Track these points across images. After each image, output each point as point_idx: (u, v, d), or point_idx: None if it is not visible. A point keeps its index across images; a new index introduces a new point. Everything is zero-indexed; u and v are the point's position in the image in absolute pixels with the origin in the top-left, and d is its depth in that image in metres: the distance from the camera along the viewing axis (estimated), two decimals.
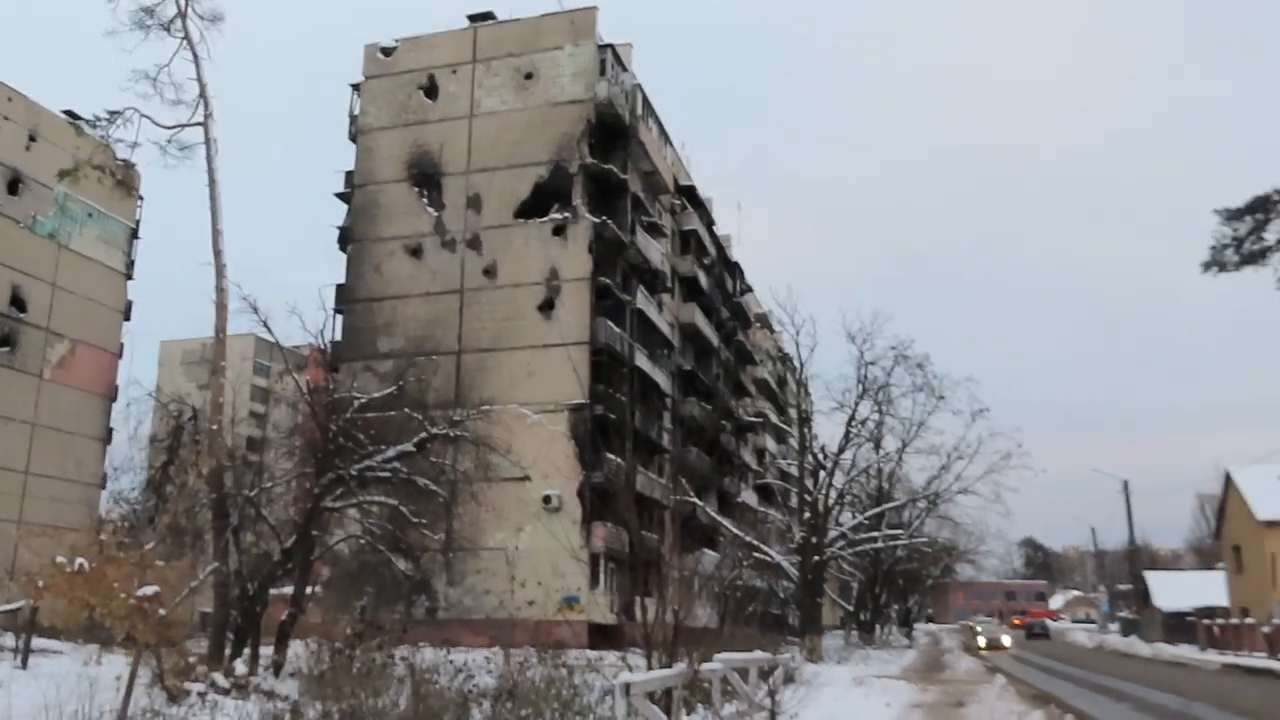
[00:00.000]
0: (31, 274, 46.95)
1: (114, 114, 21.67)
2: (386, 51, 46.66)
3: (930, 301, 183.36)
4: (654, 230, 48.33)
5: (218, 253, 21.99)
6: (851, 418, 39.78)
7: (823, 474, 40.62)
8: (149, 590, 13.30)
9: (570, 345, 39.06)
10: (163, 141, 22.03)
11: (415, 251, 43.81)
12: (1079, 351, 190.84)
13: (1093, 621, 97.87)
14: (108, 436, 49.50)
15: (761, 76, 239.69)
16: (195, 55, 22.15)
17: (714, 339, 59.12)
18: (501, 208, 43.21)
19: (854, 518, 45.29)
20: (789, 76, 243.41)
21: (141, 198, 51.65)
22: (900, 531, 46.47)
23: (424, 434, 23.77)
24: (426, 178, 44.54)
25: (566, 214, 42.19)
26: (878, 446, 44.36)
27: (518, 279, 42.15)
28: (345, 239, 45.31)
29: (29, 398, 46.12)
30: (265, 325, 22.28)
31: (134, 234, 52.80)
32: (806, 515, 40.09)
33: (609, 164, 43.28)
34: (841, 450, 40.53)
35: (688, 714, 13.80)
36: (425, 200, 44.37)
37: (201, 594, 25.63)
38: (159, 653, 13.81)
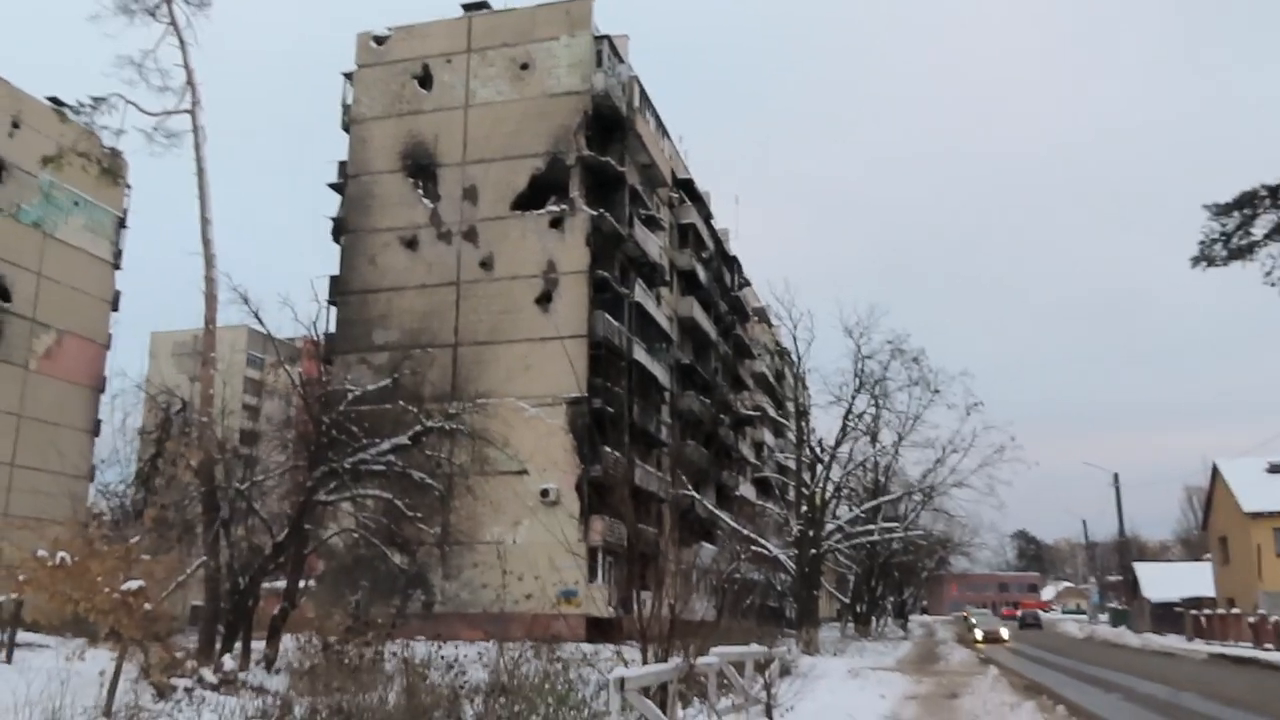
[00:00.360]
0: (16, 263, 46.24)
1: (99, 100, 21.17)
2: (379, 40, 46.16)
3: (926, 296, 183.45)
4: (652, 223, 47.97)
5: (206, 242, 21.58)
6: (848, 411, 39.64)
7: (820, 467, 40.43)
8: (134, 585, 12.95)
9: (568, 338, 38.69)
10: (149, 129, 21.55)
11: (410, 243, 43.39)
12: (1071, 346, 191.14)
13: (1083, 612, 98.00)
14: (95, 428, 48.91)
15: (759, 71, 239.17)
16: (182, 41, 21.68)
17: (712, 333, 58.84)
18: (498, 199, 42.80)
19: (850, 511, 45.12)
20: (787, 71, 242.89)
21: (129, 186, 51.00)
22: (896, 524, 46.31)
23: (419, 427, 23.47)
24: (421, 169, 44.09)
25: (564, 206, 41.81)
26: (874, 440, 44.26)
27: (514, 271, 41.76)
28: (339, 230, 44.87)
29: (14, 389, 45.48)
30: (256, 316, 22.03)
31: (122, 223, 52.12)
32: (804, 508, 39.87)
33: (606, 156, 42.89)
34: (838, 444, 40.42)
35: (683, 708, 13.51)
36: (420, 191, 43.93)
37: (193, 588, 25.33)
38: (145, 648, 13.46)
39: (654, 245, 47.10)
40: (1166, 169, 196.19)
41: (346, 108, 46.02)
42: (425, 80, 45.13)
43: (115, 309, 51.65)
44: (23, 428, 45.45)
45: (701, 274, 56.32)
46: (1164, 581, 61.94)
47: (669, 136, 53.52)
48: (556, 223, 41.78)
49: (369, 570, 31.18)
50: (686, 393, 52.72)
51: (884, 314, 52.73)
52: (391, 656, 14.92)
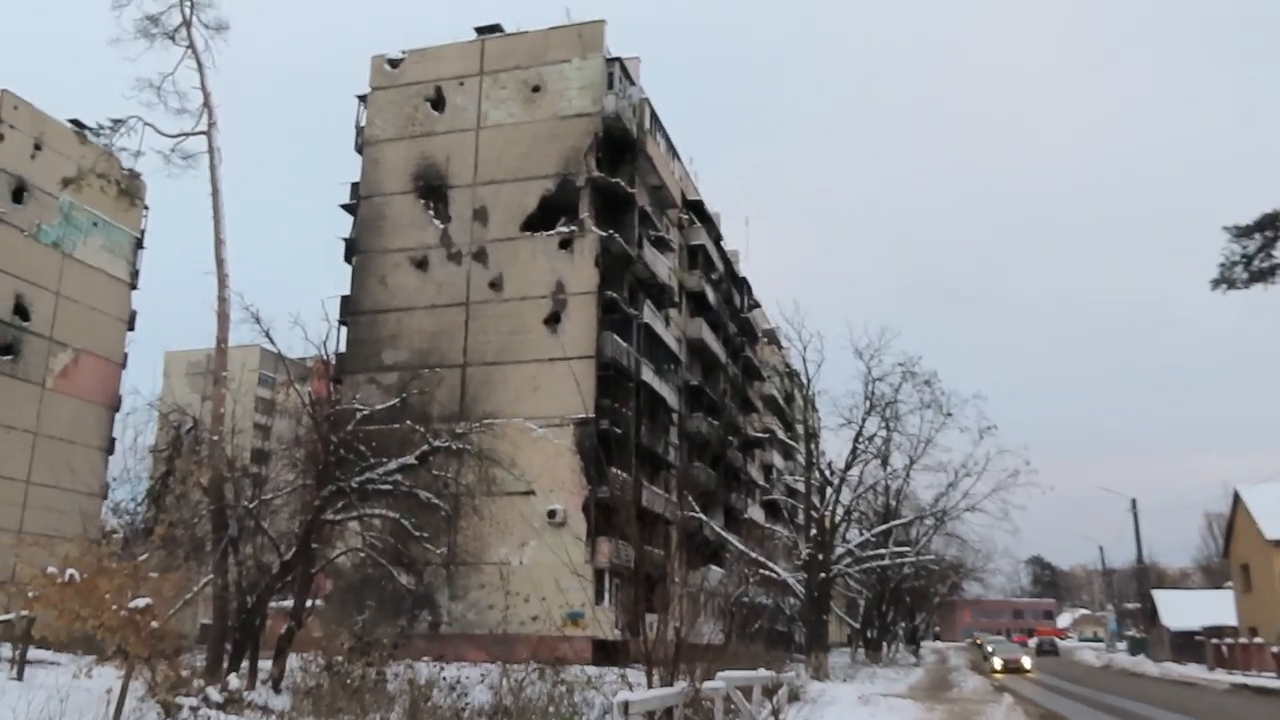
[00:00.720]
0: (35, 282, 46.91)
1: (118, 122, 21.63)
2: (393, 63, 46.70)
3: (938, 318, 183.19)
4: (661, 244, 48.18)
5: (220, 262, 21.89)
6: (859, 434, 39.57)
7: (829, 490, 40.34)
8: (142, 602, 13.06)
9: (576, 359, 38.84)
10: (166, 150, 21.98)
11: (421, 264, 43.70)
12: (1088, 369, 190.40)
13: (1100, 640, 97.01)
14: (109, 446, 49.37)
15: (770, 93, 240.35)
16: (200, 64, 22.13)
17: (721, 354, 58.89)
18: (508, 220, 43.10)
19: (861, 535, 44.98)
20: (798, 93, 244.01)
21: (147, 207, 51.72)
22: (907, 549, 46.09)
23: (427, 446, 23.59)
24: (433, 190, 44.47)
25: (573, 227, 42.06)
26: (885, 463, 44.07)
27: (524, 292, 41.99)
28: (351, 250, 45.23)
29: (31, 407, 46.02)
30: (267, 336, 22.20)
31: (139, 243, 52.82)
32: (813, 532, 39.75)
33: (616, 178, 43.17)
34: (849, 466, 40.27)
35: None
36: (431, 212, 44.29)
37: (201, 606, 25.46)
38: (152, 666, 13.56)
39: (663, 266, 47.30)
40: (1192, 187, 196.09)
41: (360, 129, 46.53)
42: (438, 102, 45.60)
43: (131, 328, 52.25)
44: (38, 445, 45.91)
45: (711, 295, 56.46)
46: (1184, 609, 61.27)
47: (679, 158, 53.85)
48: (566, 244, 42.03)
49: (376, 590, 31.25)
50: (695, 414, 52.73)
51: (896, 335, 52.69)
52: (395, 677, 14.98)
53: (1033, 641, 73.80)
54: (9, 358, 46.02)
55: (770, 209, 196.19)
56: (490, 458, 26.63)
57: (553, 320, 41.27)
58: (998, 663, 47.23)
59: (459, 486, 26.06)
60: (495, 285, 42.51)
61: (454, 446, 24.94)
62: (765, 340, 73.78)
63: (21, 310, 46.36)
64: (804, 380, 41.95)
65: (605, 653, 34.44)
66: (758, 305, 70.22)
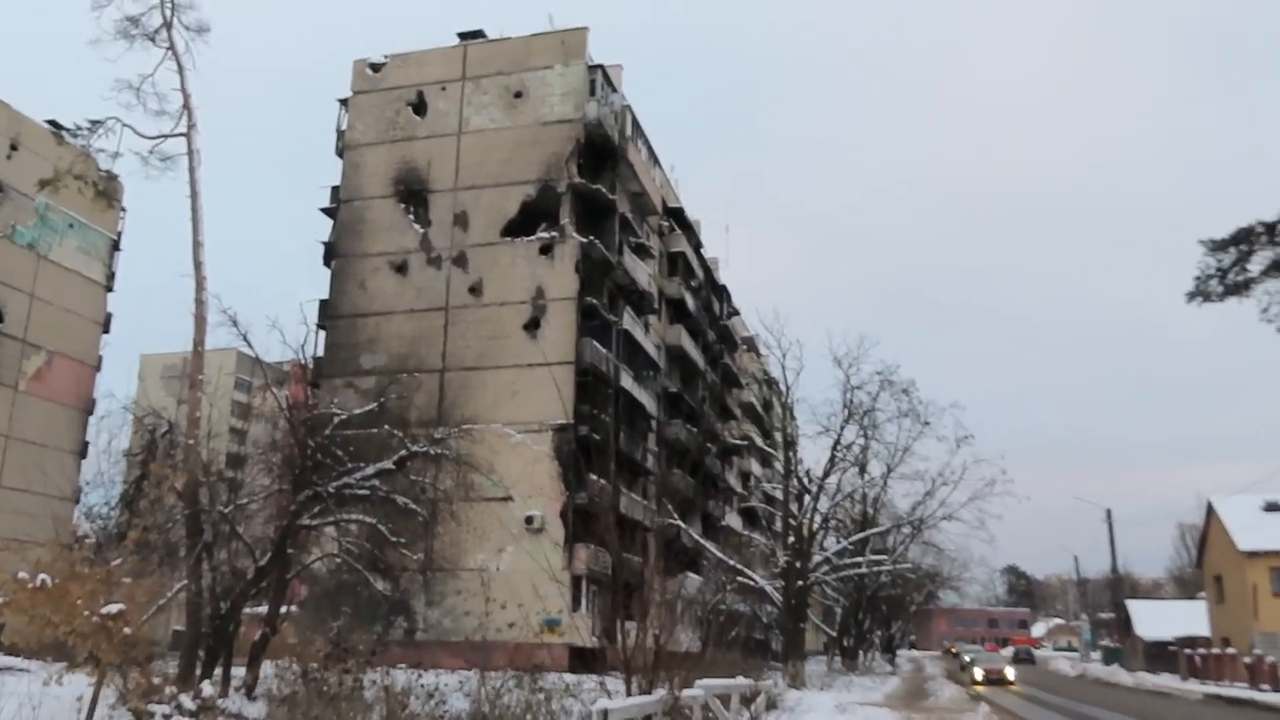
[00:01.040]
0: (9, 284, 46.35)
1: (96, 123, 21.34)
2: (375, 67, 46.58)
3: (917, 327, 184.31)
4: (641, 251, 48.25)
5: (198, 265, 21.65)
6: (837, 442, 39.69)
7: (807, 498, 40.41)
8: (114, 608, 12.89)
9: (555, 365, 38.83)
10: (145, 152, 21.70)
11: (400, 268, 43.57)
12: (1064, 380, 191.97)
13: (1074, 650, 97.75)
14: (83, 450, 48.81)
15: (751, 102, 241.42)
16: (180, 66, 21.87)
17: (700, 361, 58.99)
18: (488, 226, 43.04)
19: (838, 542, 45.06)
20: (779, 103, 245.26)
21: (124, 209, 51.21)
22: (884, 557, 46.28)
23: (404, 452, 23.46)
24: (413, 194, 44.36)
25: (554, 233, 42.06)
26: (863, 471, 44.26)
27: (503, 297, 41.93)
28: (330, 254, 45.02)
29: (3, 409, 45.44)
30: (245, 339, 22.03)
31: (115, 246, 52.31)
32: (791, 539, 39.85)
33: (597, 184, 43.22)
34: (826, 474, 40.40)
35: None
36: (412, 217, 44.17)
37: (174, 612, 25.16)
38: (124, 673, 13.38)
39: (643, 273, 47.36)
40: (1170, 200, 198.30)
41: (340, 133, 46.37)
42: (420, 107, 45.51)
43: (106, 331, 51.71)
44: (10, 448, 45.33)
45: (690, 302, 56.58)
46: (1157, 619, 61.88)
47: (660, 165, 53.96)
48: (546, 249, 42.01)
49: (351, 596, 31.04)
50: (673, 421, 52.79)
51: (875, 344, 52.98)
52: (371, 684, 14.87)
53: (1009, 650, 74.08)
54: None
55: (751, 217, 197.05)
56: (468, 463, 26.53)
57: (532, 326, 41.23)
58: (978, 673, 44.18)
59: (437, 492, 25.94)
60: (475, 290, 42.42)
61: (432, 452, 24.81)
62: (744, 348, 73.97)
63: None
64: (783, 388, 42.06)
65: (583, 660, 34.34)
66: (737, 313, 70.43)
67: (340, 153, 46.12)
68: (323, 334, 43.34)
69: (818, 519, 41.07)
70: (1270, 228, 15.82)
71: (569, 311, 41.05)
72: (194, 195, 21.97)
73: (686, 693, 13.98)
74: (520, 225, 42.74)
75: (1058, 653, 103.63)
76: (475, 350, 41.55)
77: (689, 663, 17.56)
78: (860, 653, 56.93)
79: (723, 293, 67.74)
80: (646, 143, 50.36)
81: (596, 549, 37.25)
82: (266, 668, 19.31)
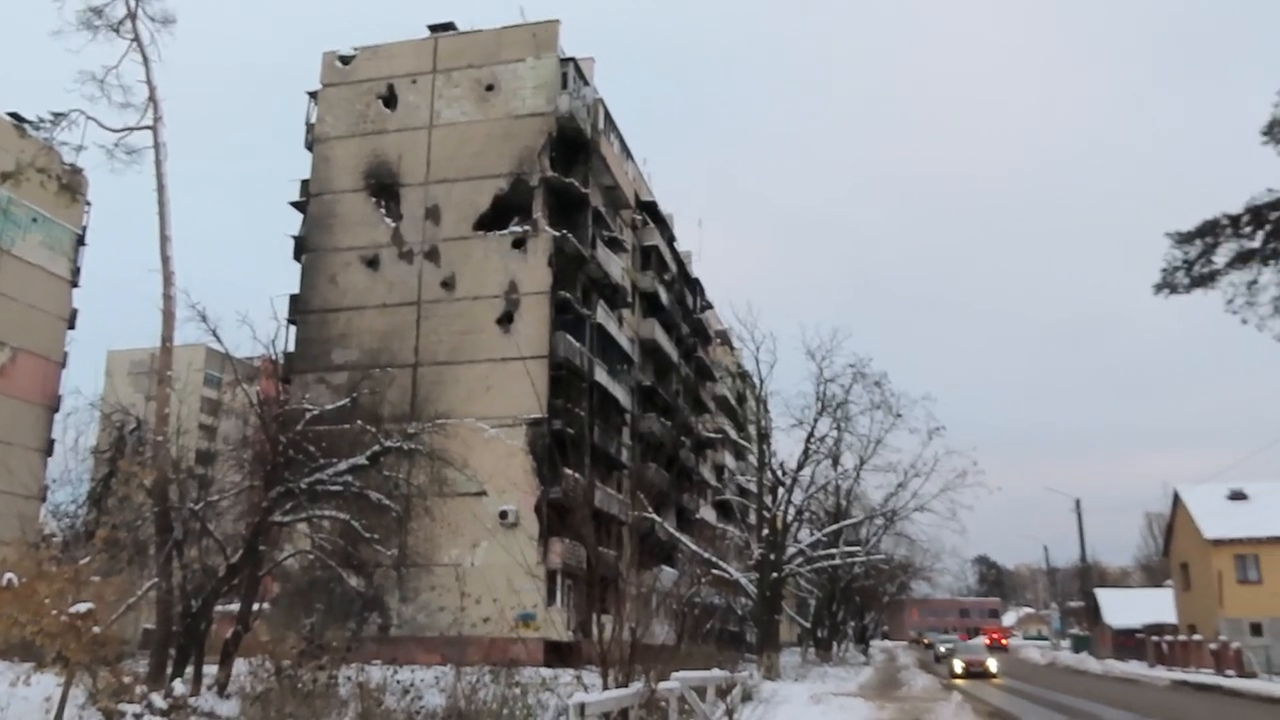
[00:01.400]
0: None
1: (59, 116, 21.05)
2: (345, 60, 46.15)
3: (889, 320, 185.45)
4: (615, 245, 48.17)
5: (165, 260, 21.43)
6: (810, 434, 39.84)
7: (781, 491, 40.58)
8: (82, 607, 12.73)
9: (529, 359, 38.68)
10: (110, 145, 21.44)
11: (372, 262, 43.24)
12: (1034, 372, 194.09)
13: (1045, 638, 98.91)
14: (49, 448, 48.09)
15: (724, 97, 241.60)
16: (145, 57, 21.62)
17: (674, 355, 59.03)
18: (460, 220, 42.81)
19: (812, 535, 45.30)
20: (753, 98, 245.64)
21: (89, 203, 50.48)
22: (858, 548, 46.53)
23: (378, 447, 23.34)
24: (384, 188, 44.03)
25: (526, 227, 41.90)
26: (836, 463, 44.43)
27: (476, 292, 41.73)
28: (300, 249, 44.62)
29: None
30: (214, 334, 21.81)
31: (80, 240, 51.53)
32: (765, 532, 39.98)
33: (570, 178, 43.09)
34: (800, 467, 40.54)
35: None
36: (383, 211, 43.85)
37: (144, 611, 24.89)
38: (93, 672, 13.22)
39: (616, 267, 47.29)
40: (1138, 194, 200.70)
41: (310, 126, 45.91)
42: (390, 100, 45.15)
43: (72, 327, 50.97)
44: None
45: (664, 296, 56.58)
46: (1125, 608, 62.78)
47: (633, 159, 53.88)
48: (519, 243, 41.85)
49: (324, 593, 30.85)
50: (648, 415, 52.80)
51: (848, 337, 53.39)
52: (346, 681, 14.78)
53: (980, 640, 74.84)
54: None
55: (725, 211, 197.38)
56: (442, 458, 26.43)
57: (505, 320, 41.08)
58: (958, 665, 40.92)
59: (410, 487, 25.83)
60: (447, 284, 42.19)
61: (405, 447, 24.71)
62: (718, 341, 74.09)
63: None
64: (756, 381, 42.13)
65: (558, 654, 34.34)
66: (710, 306, 70.53)
67: (310, 146, 45.67)
68: (294, 329, 42.97)
69: (792, 511, 41.28)
70: (1235, 220, 16.01)
71: (542, 305, 40.92)
72: (161, 189, 21.74)
73: (663, 685, 14.00)
74: (493, 219, 42.55)
75: (1028, 641, 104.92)
76: (448, 345, 41.34)
77: (665, 656, 17.61)
78: (834, 644, 57.29)
79: (696, 286, 67.80)
80: (619, 136, 50.27)
81: (571, 543, 37.23)
82: (239, 665, 19.16)
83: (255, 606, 22.37)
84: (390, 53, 45.84)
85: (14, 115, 38.15)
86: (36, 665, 13.45)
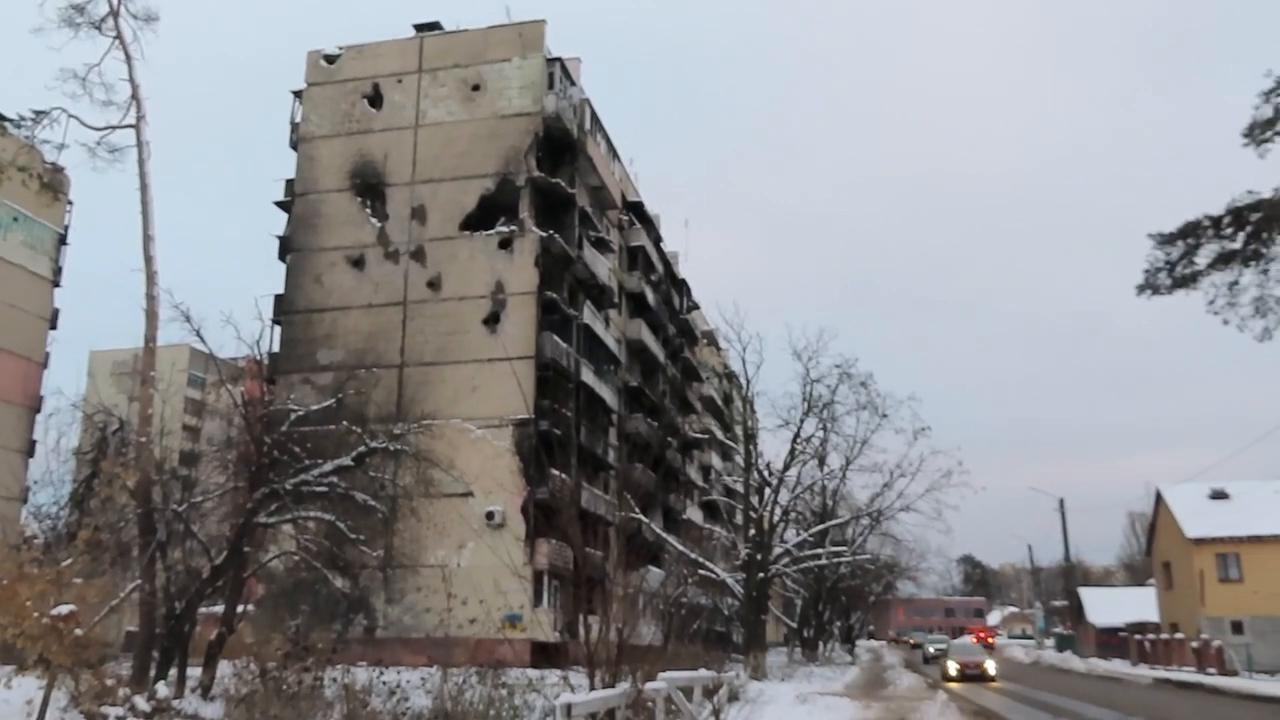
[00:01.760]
0: None
1: (40, 114, 20.88)
2: (330, 59, 45.95)
3: (875, 321, 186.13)
4: (601, 245, 48.13)
5: (149, 259, 21.30)
6: (796, 435, 39.91)
7: (768, 491, 40.61)
8: (64, 609, 12.61)
9: (515, 360, 38.58)
10: (92, 144, 21.29)
11: (357, 262, 43.06)
12: (1019, 371, 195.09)
13: (1029, 637, 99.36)
14: (30, 449, 47.59)
15: (713, 96, 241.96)
16: (128, 55, 21.50)
17: (660, 355, 59.02)
18: (446, 220, 42.68)
19: (798, 535, 45.32)
20: (740, 97, 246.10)
21: (70, 202, 50.04)
22: (844, 548, 46.63)
23: (363, 448, 23.24)
24: (370, 188, 43.86)
25: (513, 227, 41.81)
26: (822, 464, 44.51)
27: (462, 292, 41.61)
28: (285, 249, 44.39)
29: None
30: (198, 334, 21.69)
31: (62, 240, 51.03)
32: (751, 532, 40.02)
33: (556, 178, 43.02)
34: (786, 467, 40.59)
35: None
36: (368, 210, 43.67)
37: (127, 613, 24.70)
38: (75, 675, 13.11)
39: (603, 267, 47.25)
40: (1122, 194, 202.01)
41: (295, 125, 45.69)
42: (375, 100, 44.98)
43: (54, 327, 50.46)
44: None
45: (650, 297, 56.57)
46: (1108, 607, 63.16)
47: (619, 159, 53.85)
48: (505, 244, 41.75)
49: (309, 594, 30.70)
50: (634, 415, 52.77)
51: (834, 337, 53.55)
52: (332, 683, 14.71)
53: (965, 639, 75.08)
54: None
55: (711, 212, 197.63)
56: (428, 459, 26.35)
57: (492, 320, 40.97)
58: (952, 667, 37.09)
59: (396, 488, 25.75)
60: (433, 285, 42.06)
61: (391, 448, 24.62)
62: (704, 342, 74.14)
63: None
64: (743, 381, 42.19)
65: (545, 655, 34.25)
66: (697, 307, 70.58)
67: (294, 145, 45.45)
68: (278, 329, 42.76)
69: (778, 512, 41.29)
70: (1217, 221, 16.11)
71: (529, 306, 40.84)
72: (144, 188, 21.62)
73: (649, 686, 13.99)
74: (479, 219, 42.44)
75: (1012, 640, 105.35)
76: (434, 345, 41.22)
77: (651, 656, 17.61)
78: (820, 643, 57.42)
79: (683, 287, 67.83)
80: (606, 136, 50.24)
81: (558, 544, 37.14)
82: (224, 668, 19.05)
83: (240, 608, 22.24)
84: (375, 52, 45.68)
85: None
86: (18, 668, 13.34)
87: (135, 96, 21.66)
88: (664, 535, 42.35)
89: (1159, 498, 53.23)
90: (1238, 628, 44.61)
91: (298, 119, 45.70)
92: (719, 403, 76.94)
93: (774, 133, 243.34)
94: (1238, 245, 15.92)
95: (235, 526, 21.37)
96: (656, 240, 60.20)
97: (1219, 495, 49.44)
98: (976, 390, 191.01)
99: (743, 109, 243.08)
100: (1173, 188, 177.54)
